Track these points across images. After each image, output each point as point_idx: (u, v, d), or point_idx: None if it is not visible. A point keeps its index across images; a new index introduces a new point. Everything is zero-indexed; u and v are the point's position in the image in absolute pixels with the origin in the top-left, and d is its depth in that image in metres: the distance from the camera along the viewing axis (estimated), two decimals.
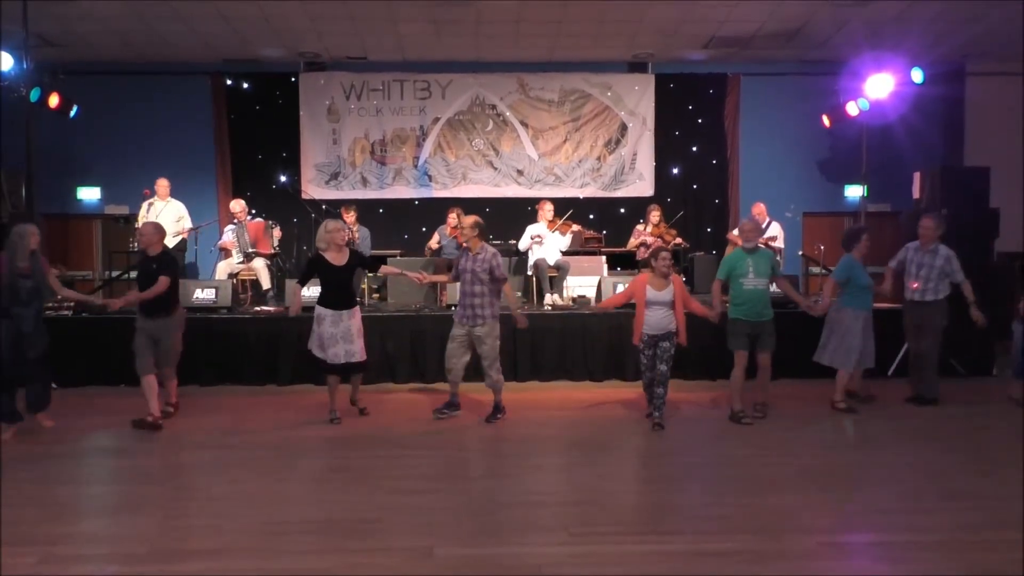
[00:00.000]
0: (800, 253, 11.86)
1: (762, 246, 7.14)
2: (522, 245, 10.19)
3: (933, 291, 7.36)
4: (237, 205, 10.33)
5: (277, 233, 10.26)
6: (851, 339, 7.13)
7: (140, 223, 9.92)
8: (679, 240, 10.40)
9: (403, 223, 12.35)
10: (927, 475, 5.38)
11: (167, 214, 10.07)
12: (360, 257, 7.26)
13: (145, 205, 10.07)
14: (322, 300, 6.81)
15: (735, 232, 10.83)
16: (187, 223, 10.32)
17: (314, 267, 6.86)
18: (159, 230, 6.93)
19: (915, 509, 4.65)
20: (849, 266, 7.21)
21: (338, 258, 6.78)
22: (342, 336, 6.72)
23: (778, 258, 10.30)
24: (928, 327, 7.39)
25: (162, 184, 10.22)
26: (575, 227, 10.27)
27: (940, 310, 7.37)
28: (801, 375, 8.64)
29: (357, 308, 6.93)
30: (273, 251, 10.12)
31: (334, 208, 10.88)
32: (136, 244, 6.55)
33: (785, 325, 8.79)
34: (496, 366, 6.81)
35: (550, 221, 10.14)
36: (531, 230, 10.14)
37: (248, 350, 8.56)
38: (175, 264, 6.91)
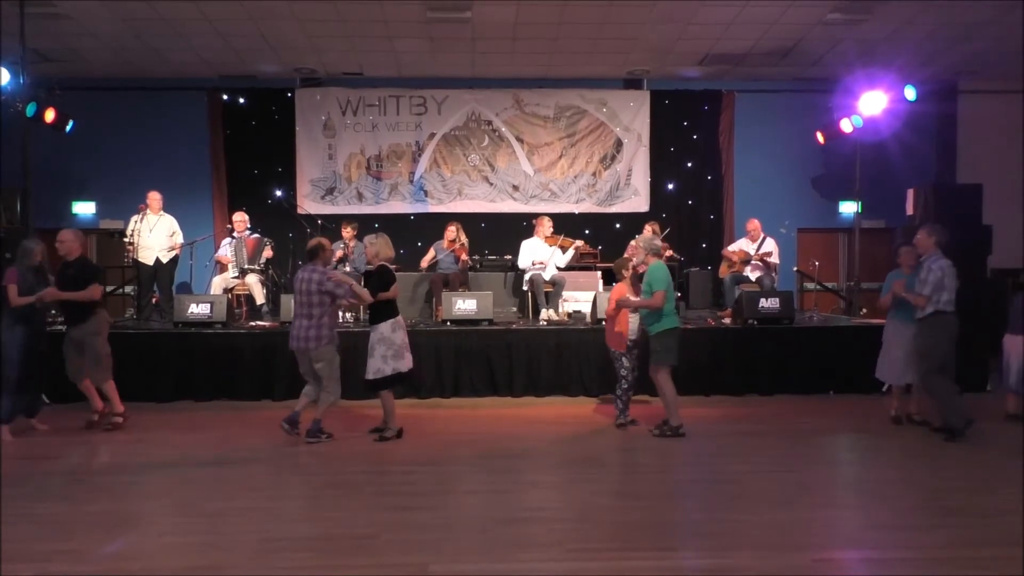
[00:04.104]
0: (795, 269, 11.90)
1: (657, 260, 6.88)
2: (521, 263, 10.14)
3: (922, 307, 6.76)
4: (240, 217, 10.32)
5: (268, 253, 10.16)
6: (897, 352, 7.20)
7: (129, 236, 9.86)
8: (670, 252, 10.39)
9: (399, 238, 12.15)
10: (924, 491, 5.37)
11: (160, 228, 9.99)
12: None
13: (135, 219, 9.94)
14: None
15: (730, 248, 10.91)
16: (179, 238, 10.19)
17: None
18: (79, 237, 7.11)
19: (912, 525, 4.65)
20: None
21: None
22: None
23: (752, 272, 10.33)
24: (919, 348, 6.82)
25: (154, 197, 10.05)
26: (578, 243, 10.27)
27: (926, 328, 6.70)
28: (797, 391, 8.69)
29: (378, 325, 6.70)
30: (259, 267, 10.08)
31: (329, 223, 10.89)
32: (60, 250, 6.97)
33: (778, 340, 8.89)
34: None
35: (548, 237, 10.15)
36: (527, 245, 10.13)
37: (243, 365, 8.55)
38: (98, 271, 7.14)
